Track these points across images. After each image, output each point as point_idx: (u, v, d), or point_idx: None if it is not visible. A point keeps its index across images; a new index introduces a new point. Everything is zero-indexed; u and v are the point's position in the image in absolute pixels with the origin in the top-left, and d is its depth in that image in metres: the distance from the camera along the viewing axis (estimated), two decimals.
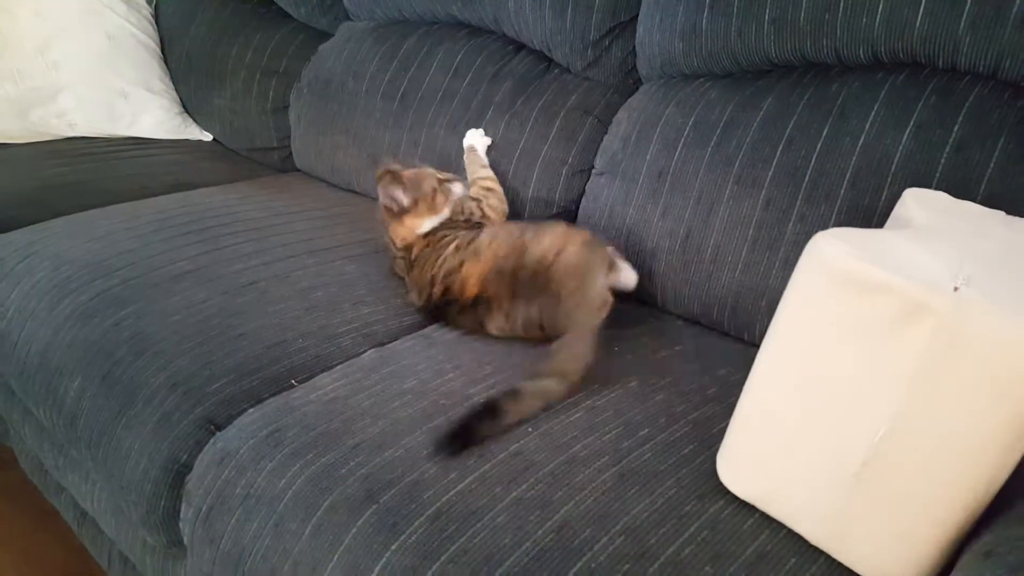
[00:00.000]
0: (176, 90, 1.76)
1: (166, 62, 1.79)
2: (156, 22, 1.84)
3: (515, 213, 1.20)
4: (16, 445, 1.33)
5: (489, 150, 1.23)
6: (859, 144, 0.90)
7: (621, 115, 1.15)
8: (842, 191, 0.90)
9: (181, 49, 1.77)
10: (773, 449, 0.67)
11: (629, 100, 1.16)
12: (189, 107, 1.76)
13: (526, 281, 0.92)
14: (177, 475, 0.82)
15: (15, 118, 1.58)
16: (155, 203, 1.30)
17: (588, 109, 1.19)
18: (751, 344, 0.97)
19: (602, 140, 1.16)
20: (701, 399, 0.84)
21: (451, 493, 0.69)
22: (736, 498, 0.70)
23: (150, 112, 1.69)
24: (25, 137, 1.59)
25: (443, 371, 0.88)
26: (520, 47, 1.30)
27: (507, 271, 0.93)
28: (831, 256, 0.61)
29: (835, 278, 0.60)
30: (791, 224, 0.93)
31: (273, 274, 1.08)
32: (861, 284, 0.59)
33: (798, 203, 0.92)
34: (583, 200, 1.16)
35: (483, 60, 1.31)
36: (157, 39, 1.81)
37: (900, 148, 0.87)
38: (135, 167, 1.51)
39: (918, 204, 0.75)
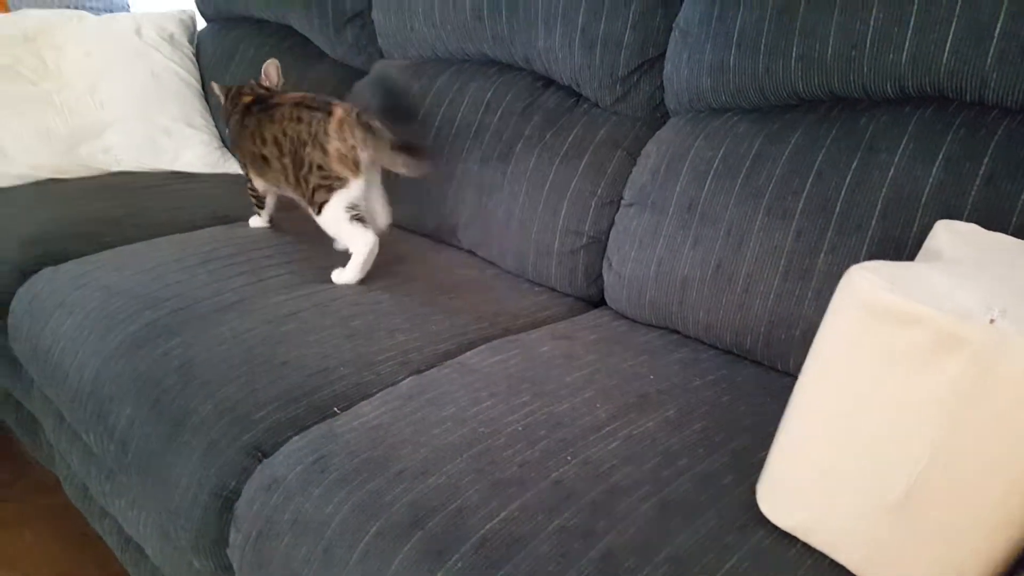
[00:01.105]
0: (215, 126, 1.82)
1: (206, 99, 1.85)
2: (197, 61, 1.91)
3: (547, 241, 1.23)
4: (61, 471, 1.36)
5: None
6: (889, 177, 0.91)
7: (650, 148, 1.18)
8: (873, 223, 0.92)
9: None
10: (814, 479, 0.68)
11: (657, 133, 1.19)
12: (228, 142, 1.82)
13: None
14: (226, 501, 0.84)
15: (65, 154, 1.64)
16: (199, 235, 1.35)
17: (617, 142, 1.22)
18: (785, 373, 0.98)
19: (631, 172, 1.19)
20: (738, 429, 0.85)
21: (495, 520, 0.70)
22: (777, 528, 0.70)
23: (191, 147, 1.75)
24: (74, 172, 1.65)
25: (480, 399, 0.90)
26: (549, 83, 1.34)
27: None
28: (865, 289, 0.62)
29: (870, 310, 0.62)
30: (823, 255, 0.94)
31: (313, 304, 1.11)
32: (896, 316, 0.60)
33: (829, 234, 0.94)
34: (612, 230, 1.19)
35: (513, 96, 1.35)
36: (198, 77, 1.87)
37: (930, 180, 0.89)
38: (178, 200, 1.56)
39: (950, 236, 0.76)
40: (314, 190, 1.17)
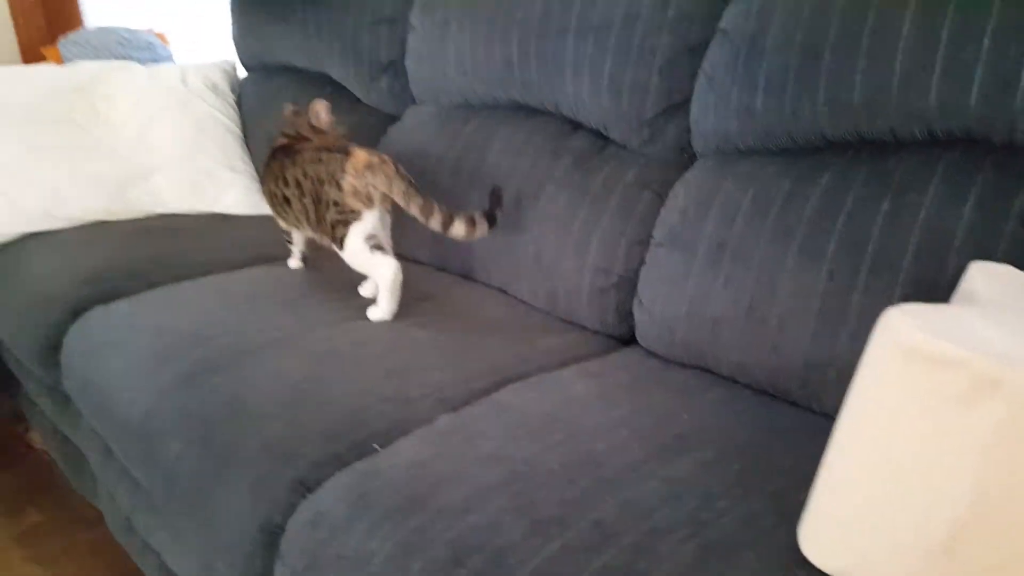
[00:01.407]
0: (256, 169, 1.89)
1: (247, 144, 1.92)
2: (239, 108, 1.98)
3: (576, 280, 1.25)
4: (104, 505, 1.40)
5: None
6: (920, 218, 0.93)
7: (678, 189, 1.20)
8: (905, 263, 0.93)
9: (262, 132, 1.90)
10: (857, 522, 0.68)
11: (685, 174, 1.21)
12: None
13: None
14: (272, 536, 0.87)
15: (114, 196, 1.71)
16: (241, 275, 1.39)
17: (645, 183, 1.25)
18: (822, 414, 0.98)
19: (660, 212, 1.21)
20: (777, 470, 0.86)
21: (536, 560, 0.72)
22: (819, 571, 0.70)
23: (232, 190, 1.81)
24: (122, 214, 1.71)
25: (516, 437, 0.92)
26: (577, 126, 1.37)
27: None
28: (903, 332, 0.63)
29: (908, 353, 0.63)
30: (856, 295, 0.95)
31: (351, 341, 1.14)
32: (934, 359, 0.61)
33: (862, 275, 0.95)
34: (643, 269, 1.21)
35: (542, 139, 1.38)
36: (239, 123, 1.95)
37: (961, 222, 0.90)
38: (220, 241, 1.61)
39: (984, 277, 0.77)
40: (333, 226, 1.24)
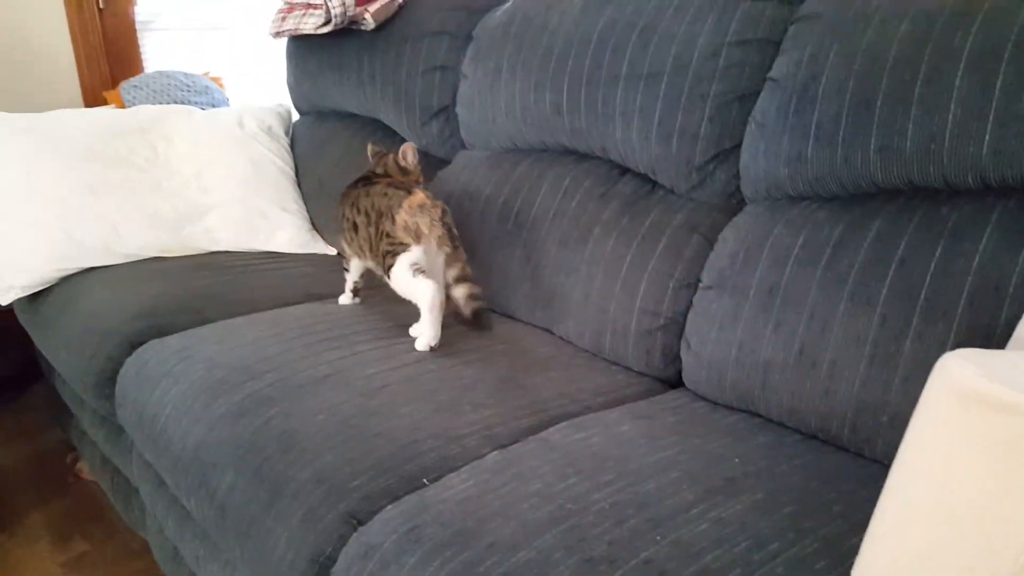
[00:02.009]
0: (307, 210, 1.95)
1: (300, 185, 1.98)
2: (292, 150, 2.05)
3: (624, 321, 1.26)
4: (152, 535, 1.42)
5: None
6: (974, 265, 0.92)
7: (727, 233, 1.21)
8: (959, 311, 0.92)
9: (314, 174, 1.96)
10: (911, 568, 0.67)
11: (735, 219, 1.22)
12: (317, 225, 1.93)
13: None
14: (323, 567, 0.88)
15: (170, 234, 1.77)
16: (293, 311, 1.43)
17: (694, 227, 1.26)
18: (872, 460, 0.97)
19: (709, 256, 1.22)
20: (828, 515, 0.85)
21: None
22: None
23: (284, 229, 1.86)
24: (177, 251, 1.77)
25: (565, 475, 0.92)
26: (625, 171, 1.40)
27: None
28: (960, 376, 0.63)
29: (965, 399, 0.63)
30: (908, 342, 0.95)
31: (401, 378, 1.16)
32: (993, 405, 0.61)
33: (914, 321, 0.95)
34: (691, 312, 1.21)
35: (590, 183, 1.41)
36: (292, 165, 2.01)
37: (1017, 270, 0.89)
38: (272, 279, 1.66)
39: None
40: (384, 255, 1.30)
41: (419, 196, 1.29)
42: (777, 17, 1.18)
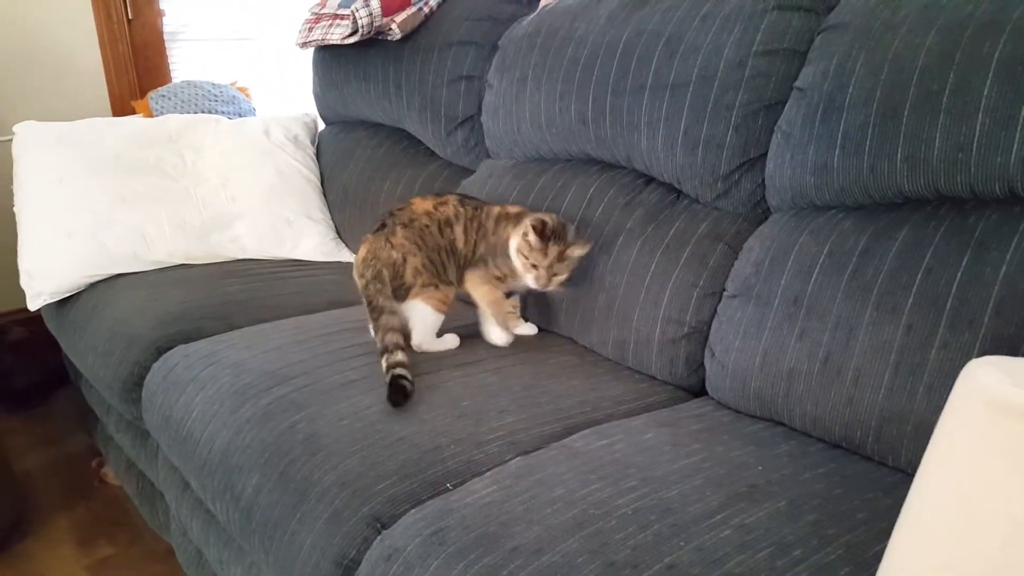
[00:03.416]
0: (332, 218, 1.97)
1: (325, 194, 2.01)
2: (318, 159, 2.08)
3: (648, 330, 1.26)
4: (176, 539, 1.44)
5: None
6: (1001, 274, 0.92)
7: (752, 242, 1.21)
8: (986, 319, 0.91)
9: (339, 183, 1.99)
10: None
11: (760, 228, 1.22)
12: (342, 233, 1.95)
13: None
14: (347, 570, 0.88)
15: (197, 241, 1.80)
16: (318, 318, 1.44)
17: (719, 236, 1.26)
18: (896, 469, 0.97)
19: (733, 265, 1.22)
20: (851, 522, 0.84)
21: None
22: None
23: (310, 237, 1.89)
24: (204, 258, 1.80)
25: (589, 481, 0.92)
26: (650, 180, 1.40)
27: None
28: (987, 383, 0.63)
29: (992, 406, 0.62)
30: (934, 351, 0.94)
31: (425, 385, 1.17)
32: (1019, 412, 0.60)
33: (940, 330, 0.94)
34: (715, 321, 1.21)
35: (615, 192, 1.41)
36: (318, 174, 2.04)
37: None
38: (297, 286, 1.68)
39: None
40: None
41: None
42: (803, 27, 1.18)
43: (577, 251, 1.28)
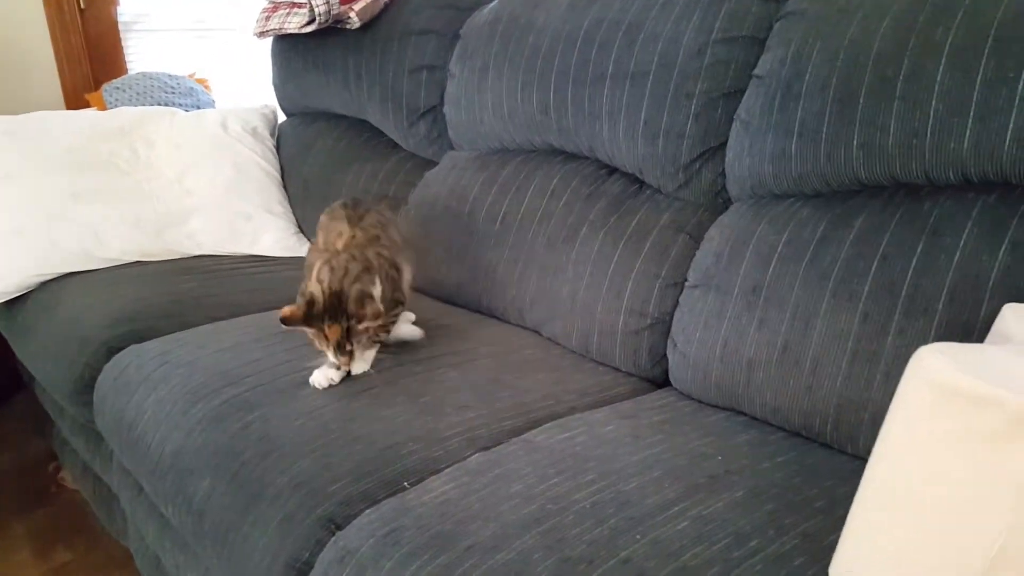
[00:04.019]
0: (293, 212, 1.93)
1: (285, 188, 1.97)
2: (277, 152, 2.04)
3: (611, 322, 1.25)
4: (134, 544, 1.40)
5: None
6: (955, 261, 0.92)
7: (713, 232, 1.20)
8: (940, 306, 0.92)
9: (299, 176, 1.95)
10: (887, 562, 0.67)
11: (720, 218, 1.21)
12: (304, 228, 1.92)
13: None
14: (299, 573, 0.86)
15: (152, 238, 1.75)
16: (276, 315, 1.40)
17: (680, 226, 1.25)
18: (855, 456, 0.97)
19: (695, 255, 1.21)
20: (809, 511, 0.84)
21: None
22: None
23: (270, 232, 1.85)
24: (159, 255, 1.76)
25: (547, 475, 0.91)
26: (613, 171, 1.39)
27: None
28: (935, 370, 0.63)
29: (940, 391, 0.62)
30: (890, 338, 0.94)
31: (384, 380, 1.15)
32: (967, 398, 0.60)
33: (896, 317, 0.94)
34: (677, 311, 1.20)
35: (578, 183, 1.40)
36: (278, 167, 2.00)
37: (996, 265, 0.89)
38: (256, 282, 1.64)
39: (1017, 319, 0.76)
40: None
41: None
42: (762, 14, 1.18)
43: (370, 323, 1.08)
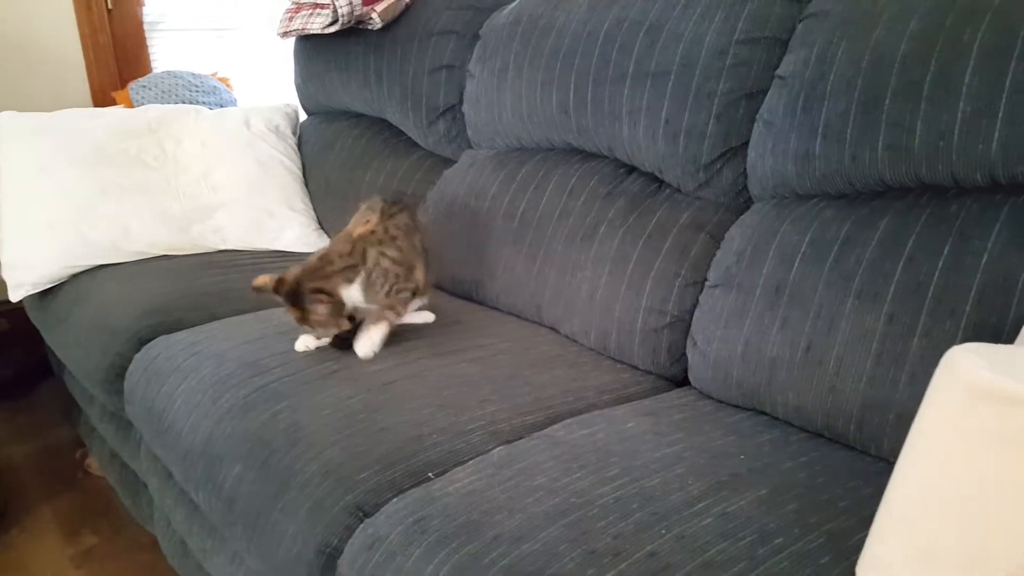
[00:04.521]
0: (314, 209, 1.95)
1: (307, 185, 1.99)
2: (299, 150, 2.06)
3: (630, 320, 1.26)
4: (160, 529, 1.43)
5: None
6: (982, 263, 0.92)
7: (734, 231, 1.21)
8: (967, 308, 0.92)
9: (321, 173, 1.97)
10: (916, 562, 0.67)
11: (742, 217, 1.22)
12: (325, 224, 1.94)
13: None
14: (329, 558, 0.88)
15: (179, 233, 1.78)
16: None
17: (700, 225, 1.26)
18: (879, 458, 0.97)
19: (715, 254, 1.22)
20: (833, 511, 0.85)
21: None
22: None
23: (291, 228, 1.87)
24: (186, 249, 1.78)
25: (570, 470, 0.92)
26: (632, 169, 1.40)
27: None
28: (968, 370, 0.63)
29: (972, 392, 0.63)
30: (916, 339, 0.94)
31: (407, 374, 1.17)
32: (1000, 398, 0.60)
33: (922, 319, 0.94)
34: (697, 310, 1.21)
35: (596, 181, 1.41)
36: (300, 165, 2.02)
37: None
38: None
39: None
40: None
41: None
42: (785, 15, 1.18)
43: (318, 317, 1.18)
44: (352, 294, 1.22)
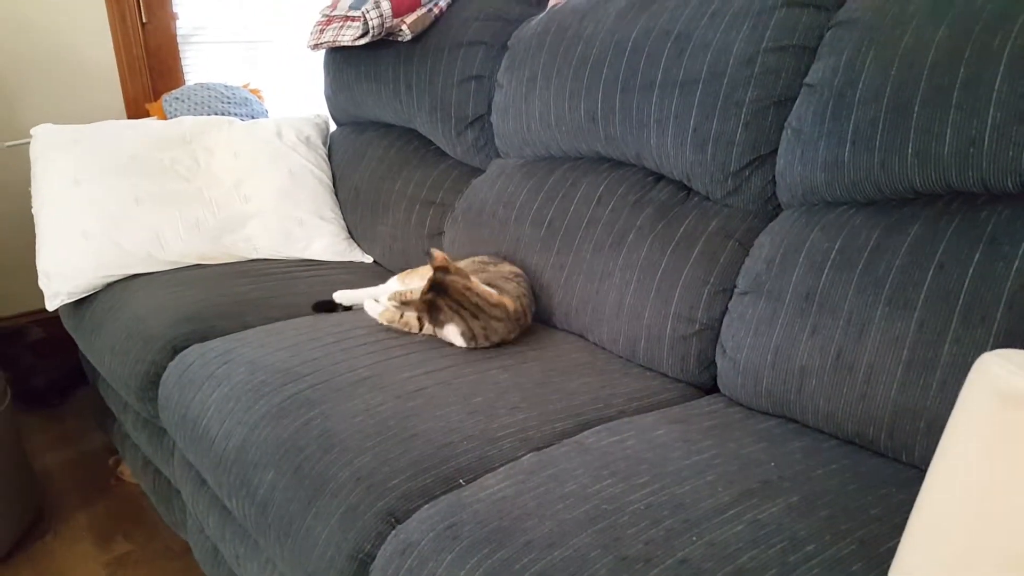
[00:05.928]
0: (344, 218, 1.98)
1: (336, 194, 2.02)
2: (329, 160, 2.09)
3: (658, 327, 1.27)
4: (192, 536, 1.45)
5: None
6: (1013, 269, 0.92)
7: (763, 239, 1.21)
8: (998, 315, 0.91)
9: (350, 183, 2.00)
10: (949, 569, 0.67)
11: (771, 225, 1.22)
12: (354, 233, 1.96)
13: None
14: (361, 564, 0.89)
15: (211, 242, 1.81)
16: (330, 317, 1.45)
17: (729, 233, 1.26)
18: (910, 465, 0.97)
19: (744, 262, 1.22)
20: (865, 518, 0.84)
21: None
22: None
23: (322, 237, 1.90)
24: (217, 259, 1.82)
25: (601, 476, 0.93)
26: (660, 177, 1.40)
27: None
28: (999, 376, 0.63)
29: (1004, 398, 0.62)
30: (947, 346, 0.94)
31: (437, 381, 1.18)
32: None
33: (953, 325, 0.94)
34: (726, 318, 1.21)
35: (625, 189, 1.42)
36: (330, 174, 2.05)
37: None
38: (309, 285, 1.69)
39: None
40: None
41: None
42: (813, 23, 1.18)
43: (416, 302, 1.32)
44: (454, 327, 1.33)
